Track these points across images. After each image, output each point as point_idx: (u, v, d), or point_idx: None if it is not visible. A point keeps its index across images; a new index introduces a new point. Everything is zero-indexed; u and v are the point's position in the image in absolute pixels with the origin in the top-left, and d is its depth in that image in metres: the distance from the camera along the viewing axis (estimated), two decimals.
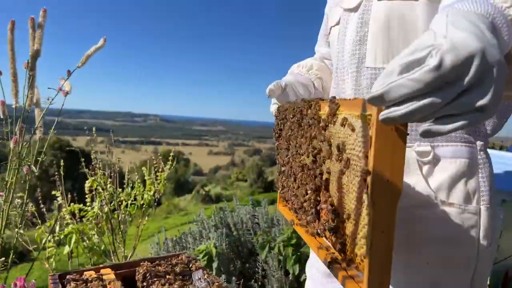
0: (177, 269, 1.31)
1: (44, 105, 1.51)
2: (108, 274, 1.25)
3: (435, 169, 0.91)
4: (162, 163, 2.09)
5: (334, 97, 0.67)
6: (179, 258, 1.43)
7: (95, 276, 1.23)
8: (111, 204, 1.97)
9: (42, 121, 1.52)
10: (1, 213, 1.43)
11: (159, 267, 1.33)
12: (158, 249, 2.35)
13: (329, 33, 1.15)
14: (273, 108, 1.12)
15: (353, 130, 0.57)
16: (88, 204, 1.92)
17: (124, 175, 2.09)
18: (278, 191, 1.11)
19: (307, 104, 0.79)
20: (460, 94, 0.43)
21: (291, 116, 0.91)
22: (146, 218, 2.11)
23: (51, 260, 1.90)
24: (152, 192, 2.07)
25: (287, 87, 1.10)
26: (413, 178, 0.90)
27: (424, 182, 0.89)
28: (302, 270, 1.86)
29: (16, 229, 1.49)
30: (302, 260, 1.85)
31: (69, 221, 1.86)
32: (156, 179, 2.09)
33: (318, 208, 0.74)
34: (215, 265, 1.90)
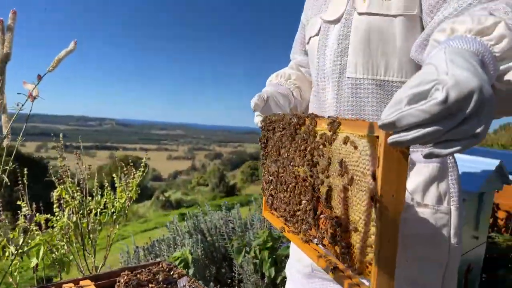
0: (160, 277, 1.30)
1: (13, 110, 1.44)
2: (88, 286, 1.22)
3: (411, 173, 0.98)
4: (134, 170, 2.05)
5: (334, 118, 0.71)
6: (160, 266, 1.42)
7: (79, 286, 1.19)
8: (80, 213, 1.90)
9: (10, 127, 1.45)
10: None
11: (140, 276, 1.31)
12: (128, 257, 2.29)
13: (308, 42, 1.20)
14: (258, 120, 1.15)
15: (355, 148, 0.62)
16: (57, 214, 1.84)
17: (84, 182, 2.02)
18: (264, 199, 1.14)
19: (302, 119, 0.83)
20: (460, 123, 0.49)
21: (281, 129, 0.94)
22: (117, 226, 2.05)
23: (15, 274, 1.80)
24: (123, 200, 2.02)
25: (269, 99, 1.14)
26: None
27: None
28: (278, 272, 1.90)
29: None
30: (278, 262, 1.88)
31: (36, 232, 1.77)
32: (127, 186, 2.05)
33: (315, 217, 0.77)
34: (191, 271, 1.89)
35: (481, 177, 1.90)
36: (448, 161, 1.01)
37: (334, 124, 0.69)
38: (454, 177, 1.01)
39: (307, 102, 1.32)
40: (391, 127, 0.52)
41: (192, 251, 1.92)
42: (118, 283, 1.27)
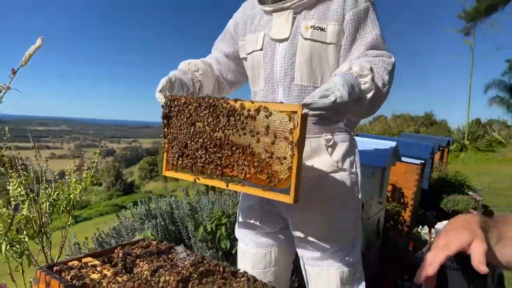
0: (152, 249, 1.47)
1: None
2: (91, 262, 1.34)
3: (335, 149, 1.40)
4: (87, 160, 2.09)
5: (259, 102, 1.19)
6: (146, 241, 1.58)
7: (82, 264, 1.30)
8: (35, 206, 1.88)
9: None
10: None
11: (134, 250, 1.46)
12: (85, 248, 2.31)
13: (250, 53, 1.48)
14: (160, 96, 1.40)
15: (279, 119, 1.12)
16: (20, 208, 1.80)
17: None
18: (166, 162, 1.43)
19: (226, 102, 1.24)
20: (335, 114, 1.06)
21: (200, 109, 1.29)
22: (70, 218, 2.07)
23: None
24: (78, 191, 2.05)
25: (175, 82, 1.43)
26: (323, 156, 1.39)
27: (329, 157, 1.38)
28: (232, 245, 2.18)
29: None
30: (232, 236, 2.17)
31: None
32: (82, 179, 2.07)
33: (242, 161, 1.21)
34: None
35: (384, 155, 2.45)
36: (354, 142, 1.47)
37: (261, 107, 1.15)
38: (357, 151, 1.48)
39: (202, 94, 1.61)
40: (307, 106, 1.03)
41: (153, 233, 2.08)
42: (116, 257, 1.41)
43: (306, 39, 1.32)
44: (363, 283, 1.46)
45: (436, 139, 6.58)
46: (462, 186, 5.64)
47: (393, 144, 2.57)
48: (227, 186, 1.26)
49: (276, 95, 1.40)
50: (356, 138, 3.26)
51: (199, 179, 1.33)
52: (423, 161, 3.76)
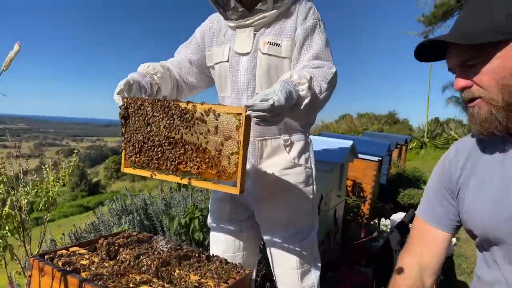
0: (133, 239, 1.63)
1: None
2: (79, 250, 1.48)
3: (292, 148, 1.61)
4: (64, 159, 2.19)
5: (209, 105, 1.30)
6: (126, 233, 1.73)
7: (71, 252, 1.44)
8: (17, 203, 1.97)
9: None
10: None
11: (117, 240, 1.61)
12: (61, 245, 2.40)
13: (217, 63, 1.63)
14: (118, 97, 1.45)
15: (224, 119, 1.25)
16: None
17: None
18: (124, 159, 1.54)
19: (179, 105, 1.34)
20: (272, 115, 1.15)
21: (155, 110, 1.39)
22: (49, 214, 2.16)
23: None
24: (56, 189, 2.15)
25: (133, 85, 1.50)
26: (282, 154, 1.60)
27: (287, 155, 1.60)
28: (204, 237, 2.36)
29: None
30: (204, 228, 2.34)
31: None
32: (59, 177, 2.17)
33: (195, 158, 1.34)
34: None
35: (342, 153, 2.71)
36: (308, 140, 1.68)
37: (210, 109, 1.28)
38: (311, 148, 1.69)
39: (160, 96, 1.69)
40: (249, 107, 1.16)
41: (130, 227, 2.22)
42: (100, 247, 1.55)
43: (263, 53, 1.50)
44: (319, 263, 1.69)
45: (395, 137, 7.03)
46: (418, 181, 6.09)
47: (350, 143, 2.83)
48: (181, 180, 1.38)
49: (242, 102, 1.58)
50: (318, 137, 3.52)
51: (155, 175, 1.45)
52: (380, 158, 4.08)
